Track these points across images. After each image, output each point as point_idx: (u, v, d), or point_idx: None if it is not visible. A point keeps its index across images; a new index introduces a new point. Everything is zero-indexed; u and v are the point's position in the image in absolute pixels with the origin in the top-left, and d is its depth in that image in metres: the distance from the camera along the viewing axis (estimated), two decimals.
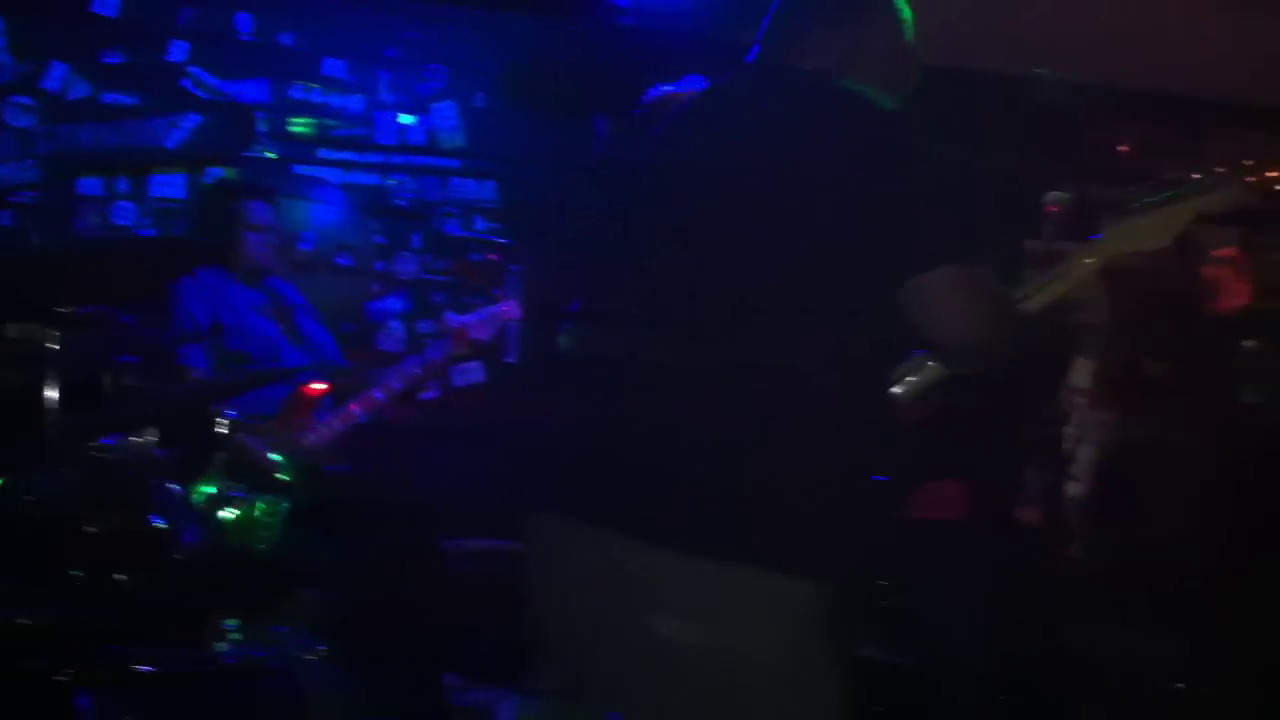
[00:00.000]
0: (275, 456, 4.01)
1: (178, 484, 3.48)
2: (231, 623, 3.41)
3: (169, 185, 5.19)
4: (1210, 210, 2.25)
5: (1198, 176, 2.24)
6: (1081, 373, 3.84)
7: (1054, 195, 4.21)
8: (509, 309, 4.42)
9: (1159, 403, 2.92)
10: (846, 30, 2.07)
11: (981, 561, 4.22)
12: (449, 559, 4.63)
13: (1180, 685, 3.40)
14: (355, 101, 5.45)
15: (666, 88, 3.29)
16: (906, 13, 2.17)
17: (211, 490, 3.57)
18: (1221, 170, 2.24)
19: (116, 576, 3.02)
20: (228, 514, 3.76)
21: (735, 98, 2.02)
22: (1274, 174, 5.60)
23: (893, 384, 2.11)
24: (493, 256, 4.90)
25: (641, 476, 1.87)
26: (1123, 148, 4.17)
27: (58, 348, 2.75)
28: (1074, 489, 3.75)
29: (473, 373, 5.43)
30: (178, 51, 5.22)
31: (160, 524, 3.24)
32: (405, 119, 5.50)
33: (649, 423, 1.89)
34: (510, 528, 4.62)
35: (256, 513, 3.95)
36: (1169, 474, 2.75)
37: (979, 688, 4.12)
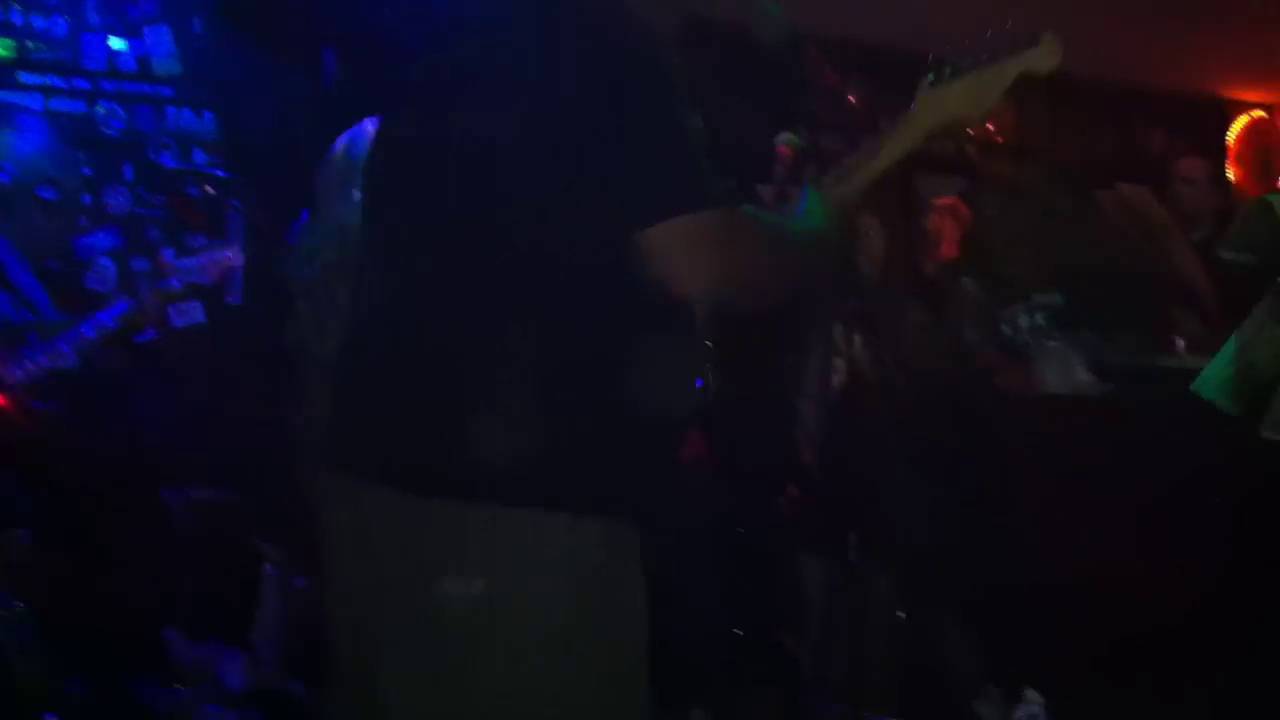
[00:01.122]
0: None
1: None
2: None
3: None
4: (1030, 70, 2.09)
5: (999, 38, 2.07)
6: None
7: (784, 137, 4.26)
8: (231, 255, 4.25)
9: (894, 343, 2.97)
10: None
11: (707, 505, 4.29)
12: (168, 508, 4.45)
13: (901, 614, 3.54)
14: (59, 23, 5.16)
15: None
16: None
17: None
18: (1024, 33, 2.07)
19: None
20: None
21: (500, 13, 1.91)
22: (993, 128, 5.82)
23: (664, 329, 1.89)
24: (210, 190, 4.70)
25: (405, 423, 1.77)
26: (851, 97, 4.23)
27: None
28: (811, 427, 3.82)
29: (193, 313, 5.20)
30: None
31: None
32: (115, 43, 5.24)
33: (410, 365, 1.79)
34: (231, 476, 4.45)
35: None
36: (899, 412, 2.82)
37: (707, 632, 4.19)
